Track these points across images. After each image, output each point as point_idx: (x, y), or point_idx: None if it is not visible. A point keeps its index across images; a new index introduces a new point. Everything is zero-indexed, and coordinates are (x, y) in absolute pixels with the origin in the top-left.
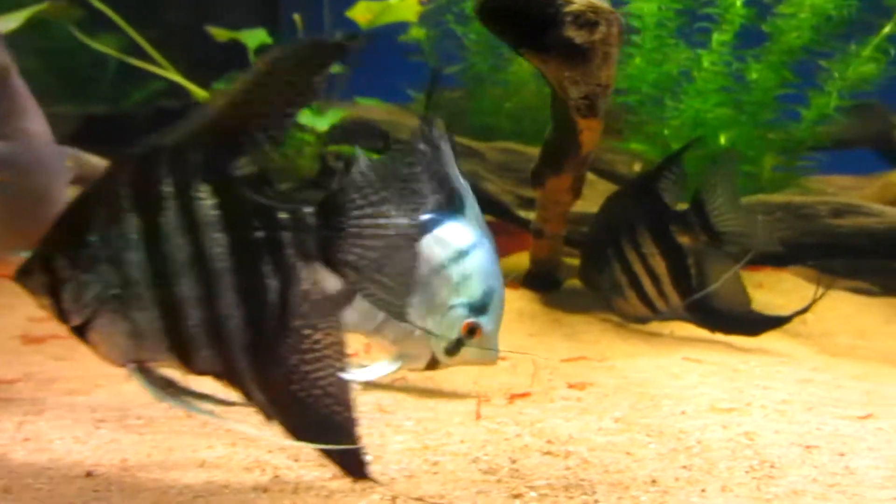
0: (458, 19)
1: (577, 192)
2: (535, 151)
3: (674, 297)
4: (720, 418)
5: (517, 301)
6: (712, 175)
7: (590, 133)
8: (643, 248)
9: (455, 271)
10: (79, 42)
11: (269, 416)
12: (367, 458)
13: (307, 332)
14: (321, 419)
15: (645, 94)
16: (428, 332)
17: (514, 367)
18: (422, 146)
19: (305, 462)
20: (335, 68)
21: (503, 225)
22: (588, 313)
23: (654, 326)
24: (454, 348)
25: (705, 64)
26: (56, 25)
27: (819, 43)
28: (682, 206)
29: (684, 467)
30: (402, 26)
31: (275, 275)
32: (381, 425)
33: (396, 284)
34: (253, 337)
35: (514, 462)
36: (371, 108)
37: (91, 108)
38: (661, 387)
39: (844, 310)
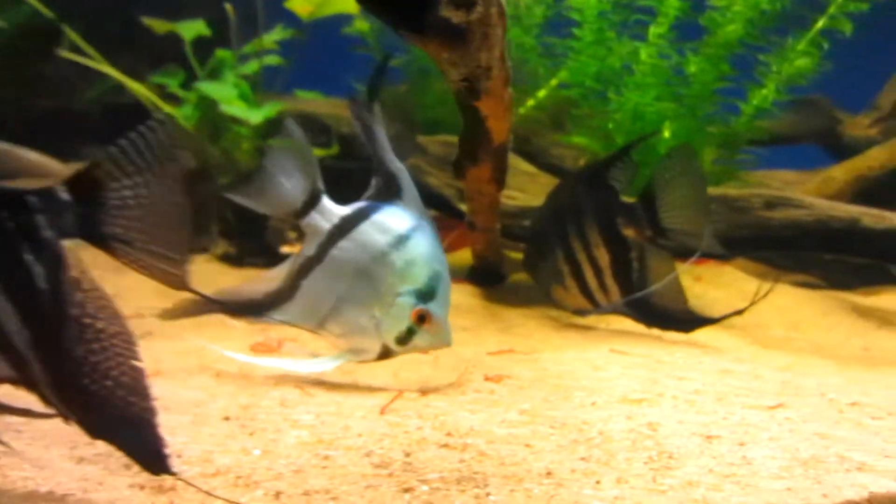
0: None
1: (499, 183)
2: None
3: (615, 291)
4: (627, 409)
5: (457, 295)
6: (665, 169)
7: (495, 121)
8: (589, 237)
9: (398, 258)
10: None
11: (66, 418)
12: (166, 451)
13: (87, 321)
14: (117, 413)
15: (588, 88)
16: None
17: (437, 361)
18: (357, 128)
19: (189, 458)
20: (274, 60)
21: (446, 220)
22: (528, 307)
23: (592, 320)
24: (405, 337)
25: (643, 57)
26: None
27: (755, 37)
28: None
29: (582, 459)
30: (346, 18)
31: (38, 261)
32: (278, 420)
33: (173, 253)
34: (33, 332)
35: (408, 455)
36: (312, 102)
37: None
38: (579, 378)
39: (782, 302)
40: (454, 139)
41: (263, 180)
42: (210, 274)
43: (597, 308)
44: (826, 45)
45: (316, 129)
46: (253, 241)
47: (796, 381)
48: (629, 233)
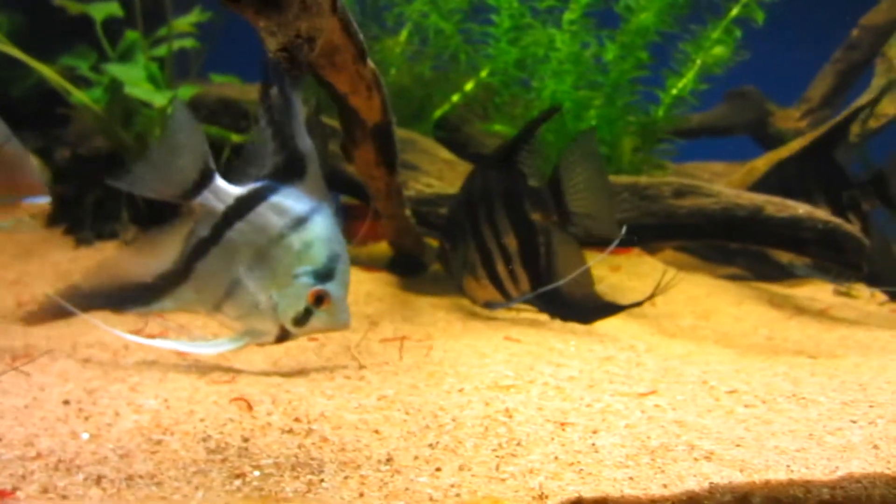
0: None
1: (389, 167)
2: (398, 132)
3: (524, 280)
4: (491, 395)
5: (372, 284)
6: (570, 153)
7: (358, 99)
8: (498, 224)
9: (296, 239)
10: None
11: None
12: None
13: None
14: None
15: (509, 76)
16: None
17: (322, 348)
18: (269, 99)
19: (10, 441)
20: (189, 43)
21: (363, 208)
22: (442, 297)
23: (502, 311)
24: (303, 318)
25: (558, 44)
26: None
27: (669, 25)
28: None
29: (430, 445)
30: None
31: None
32: (121, 404)
33: None
34: None
35: (246, 441)
36: (230, 86)
37: None
38: (458, 365)
39: (696, 292)
40: (402, 133)
41: (148, 164)
42: None
43: (507, 301)
44: (738, 34)
45: (236, 113)
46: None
47: (681, 369)
48: (536, 217)
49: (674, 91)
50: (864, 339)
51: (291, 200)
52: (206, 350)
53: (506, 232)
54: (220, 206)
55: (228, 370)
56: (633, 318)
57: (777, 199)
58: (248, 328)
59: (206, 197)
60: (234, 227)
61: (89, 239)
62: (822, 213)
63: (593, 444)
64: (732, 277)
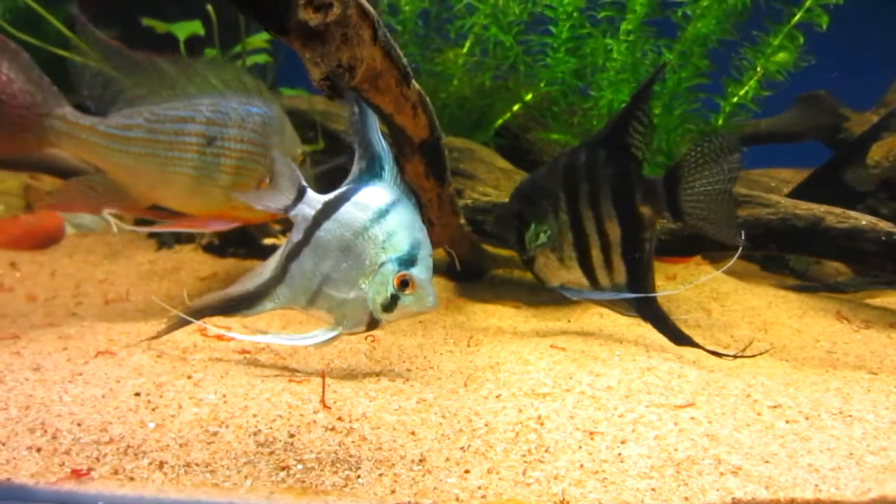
0: (390, 10)
1: (438, 179)
2: (455, 141)
3: (619, 273)
4: (527, 402)
5: None
6: (700, 150)
7: (403, 118)
8: (602, 207)
9: (378, 231)
10: None
11: None
12: None
13: None
14: None
15: (567, 85)
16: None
17: (373, 350)
18: (353, 113)
19: (87, 427)
20: (261, 58)
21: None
22: (496, 303)
23: (550, 316)
24: (390, 304)
25: (614, 54)
26: None
27: (728, 32)
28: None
29: (461, 448)
30: None
31: None
32: (184, 398)
33: None
34: None
35: (292, 437)
36: (298, 98)
37: None
38: (500, 372)
39: (755, 302)
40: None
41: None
42: (193, 264)
43: (596, 288)
44: (801, 39)
45: (304, 124)
46: (235, 231)
47: (724, 382)
48: (645, 210)
49: (734, 99)
50: None
51: (372, 197)
52: (304, 342)
53: (609, 217)
54: (312, 212)
55: (284, 369)
56: (686, 327)
57: (838, 210)
58: (340, 319)
59: (301, 208)
60: (322, 227)
61: (169, 242)
62: (887, 224)
63: (619, 454)
64: (798, 288)
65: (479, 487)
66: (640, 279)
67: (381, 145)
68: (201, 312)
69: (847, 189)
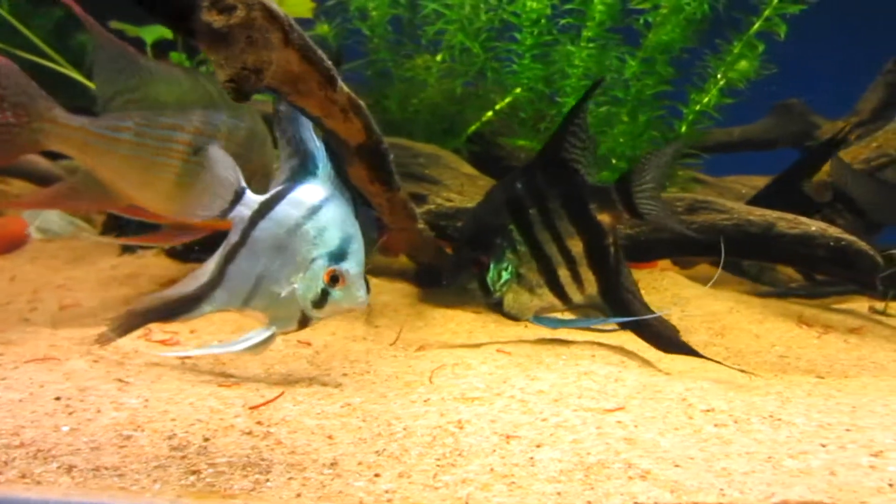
0: (360, 16)
1: (384, 184)
2: (421, 147)
3: (591, 284)
4: (451, 406)
5: (390, 294)
6: (653, 157)
7: (334, 122)
8: (558, 227)
9: (310, 227)
10: None
11: None
12: None
13: None
14: None
15: (535, 91)
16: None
17: (316, 355)
18: (280, 111)
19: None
20: None
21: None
22: (458, 308)
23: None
24: (321, 300)
25: (576, 60)
26: None
27: (690, 40)
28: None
29: (376, 452)
30: (306, 23)
31: None
32: (105, 402)
33: None
34: None
35: (207, 440)
36: (264, 103)
37: None
38: (437, 377)
39: (717, 307)
40: (400, 141)
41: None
42: (154, 269)
43: (568, 305)
44: (762, 48)
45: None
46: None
47: (663, 386)
48: (604, 218)
49: (697, 107)
50: (882, 360)
51: (306, 194)
52: (237, 348)
53: (568, 234)
54: (247, 213)
55: (220, 374)
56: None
57: (790, 216)
58: (273, 318)
59: (238, 210)
60: (257, 226)
61: (133, 247)
62: (835, 230)
63: (532, 458)
64: (769, 294)
65: (387, 491)
66: (611, 286)
67: (315, 143)
68: (142, 318)
69: (806, 198)
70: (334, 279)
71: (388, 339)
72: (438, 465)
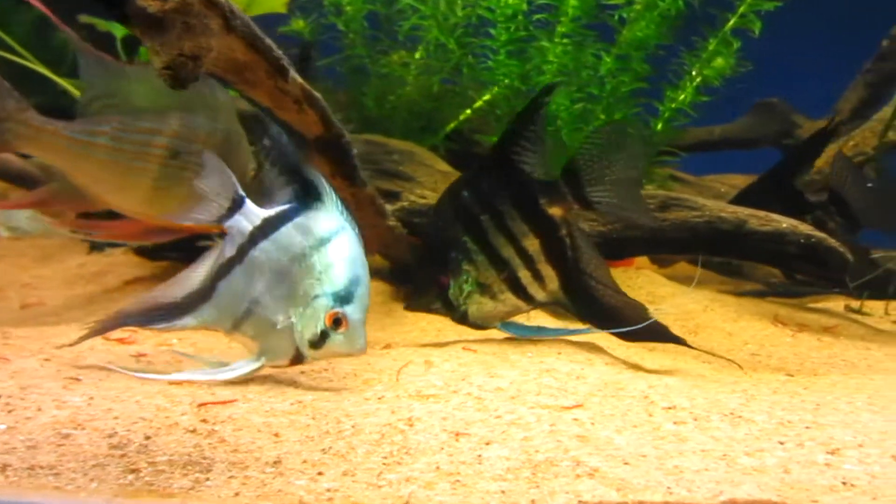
0: (336, 11)
1: (347, 178)
2: (395, 143)
3: (552, 280)
4: (404, 404)
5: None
6: (593, 143)
7: (287, 114)
8: (512, 229)
9: (317, 260)
10: None
11: None
12: None
13: None
14: None
15: (511, 88)
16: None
17: None
18: (265, 141)
19: None
20: None
21: None
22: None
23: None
24: (319, 341)
25: (550, 56)
26: None
27: (666, 37)
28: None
29: (322, 450)
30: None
31: None
32: (47, 400)
33: None
34: None
35: (148, 438)
36: (239, 99)
37: None
38: (396, 373)
39: (692, 306)
40: (376, 137)
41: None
42: (122, 267)
43: (533, 304)
44: (737, 45)
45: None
46: None
47: (626, 384)
48: (556, 211)
49: (673, 104)
50: (853, 357)
51: (316, 222)
52: (222, 376)
53: (523, 234)
54: (248, 227)
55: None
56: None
57: (761, 213)
58: (264, 349)
59: (237, 220)
60: (258, 246)
61: (101, 245)
62: (806, 227)
63: (480, 456)
64: (750, 293)
65: (329, 490)
66: (572, 279)
67: (311, 171)
68: (119, 321)
69: (796, 195)
70: (336, 322)
71: (378, 342)
72: (384, 464)
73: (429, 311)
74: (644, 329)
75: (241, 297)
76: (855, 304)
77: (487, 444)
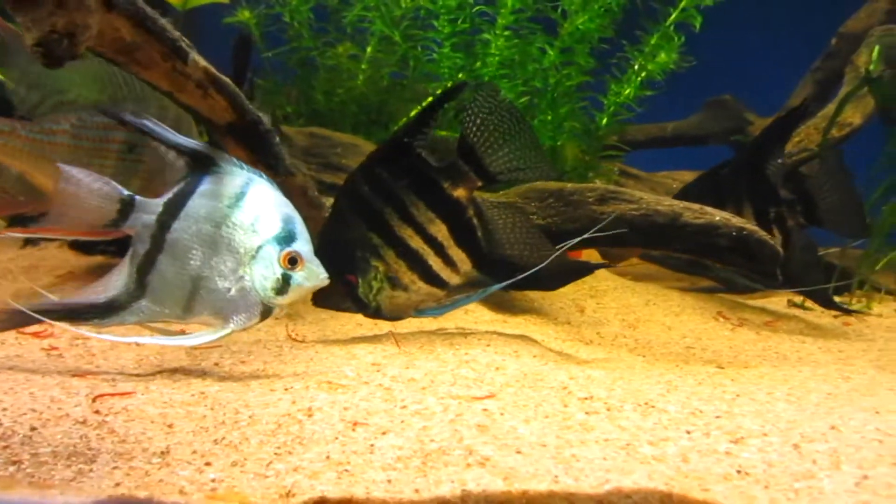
0: (281, 2)
1: (270, 168)
2: (339, 136)
3: (465, 262)
4: (309, 394)
5: None
6: (473, 113)
7: (190, 97)
8: (418, 218)
9: (242, 216)
10: None
11: None
12: None
13: None
14: None
15: (456, 81)
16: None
17: (195, 348)
18: (149, 123)
19: None
20: None
21: None
22: None
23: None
24: (283, 286)
25: (492, 49)
26: None
27: (609, 30)
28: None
29: (214, 441)
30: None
31: None
32: None
33: None
34: None
35: (34, 430)
36: None
37: None
38: (314, 365)
39: (634, 300)
40: (321, 130)
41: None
42: (55, 261)
43: (447, 288)
44: (679, 40)
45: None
46: None
47: (546, 374)
48: (459, 194)
49: (617, 98)
50: (786, 350)
51: (221, 184)
52: (190, 342)
53: (430, 221)
54: (151, 220)
55: (87, 365)
56: (554, 324)
57: (696, 206)
58: (229, 318)
59: (134, 219)
60: (172, 228)
61: (35, 240)
62: (738, 220)
63: (373, 445)
64: (701, 289)
65: (213, 480)
66: (483, 256)
67: (193, 142)
68: (47, 313)
69: (770, 186)
70: (293, 261)
71: (281, 332)
72: (276, 454)
73: (339, 310)
74: (559, 274)
75: (180, 282)
76: (797, 299)
77: (384, 433)
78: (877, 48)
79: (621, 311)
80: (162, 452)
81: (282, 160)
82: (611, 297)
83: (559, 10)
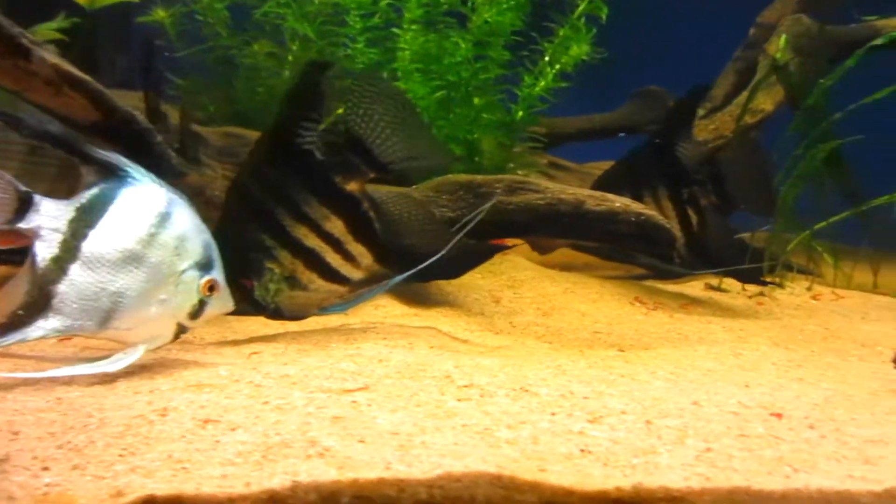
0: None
1: (155, 169)
2: (252, 135)
3: (365, 257)
4: (171, 395)
5: None
6: (357, 103)
7: (39, 95)
8: (313, 216)
9: (167, 236)
10: None
11: None
12: None
13: None
14: None
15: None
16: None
17: (95, 350)
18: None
19: None
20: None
21: None
22: None
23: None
24: (198, 310)
25: (402, 43)
26: None
27: (520, 23)
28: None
29: (59, 446)
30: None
31: None
32: None
33: None
34: None
35: None
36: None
37: None
38: (195, 366)
39: (552, 289)
40: (236, 130)
41: None
42: None
43: (351, 284)
44: (588, 31)
45: None
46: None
47: (431, 363)
48: (354, 186)
49: (530, 90)
50: (689, 331)
51: (143, 199)
52: (106, 368)
53: (325, 218)
54: (58, 223)
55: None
56: (467, 315)
57: (598, 194)
58: (144, 336)
59: (32, 219)
60: (89, 237)
61: None
62: (638, 206)
63: (217, 442)
64: (627, 277)
65: (48, 485)
66: (383, 249)
67: (102, 153)
68: None
69: (681, 167)
70: (212, 289)
71: (208, 333)
72: (120, 455)
73: (237, 313)
74: (461, 259)
75: (98, 295)
76: (715, 281)
77: (233, 429)
78: (783, 37)
79: (537, 300)
80: (1, 460)
81: (167, 160)
82: (528, 286)
83: (469, 4)
